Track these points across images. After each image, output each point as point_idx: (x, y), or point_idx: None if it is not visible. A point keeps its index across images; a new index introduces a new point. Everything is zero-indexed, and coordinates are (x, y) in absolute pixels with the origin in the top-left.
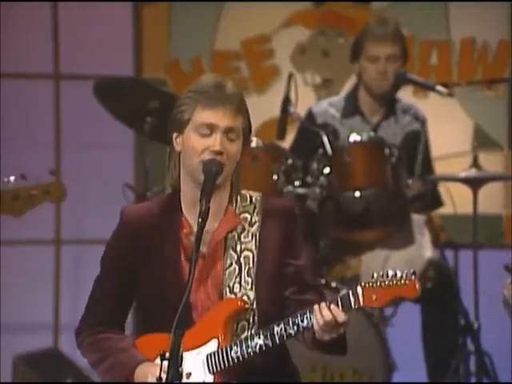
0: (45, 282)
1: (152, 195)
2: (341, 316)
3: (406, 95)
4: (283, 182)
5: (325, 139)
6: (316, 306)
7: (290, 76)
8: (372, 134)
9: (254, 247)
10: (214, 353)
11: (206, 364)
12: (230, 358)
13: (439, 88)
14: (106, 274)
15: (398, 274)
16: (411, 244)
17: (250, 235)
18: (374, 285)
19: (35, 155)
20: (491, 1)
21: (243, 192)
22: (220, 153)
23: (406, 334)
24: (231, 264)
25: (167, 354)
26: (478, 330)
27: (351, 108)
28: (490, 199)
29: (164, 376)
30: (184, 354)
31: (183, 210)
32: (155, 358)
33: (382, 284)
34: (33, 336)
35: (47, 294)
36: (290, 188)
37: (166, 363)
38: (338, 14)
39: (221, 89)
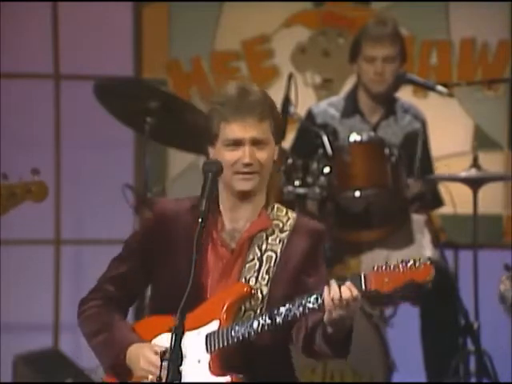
0: (45, 282)
1: (152, 195)
2: (354, 291)
3: (406, 95)
4: (283, 182)
5: (325, 139)
6: (333, 284)
7: (290, 76)
8: (372, 133)
9: (279, 250)
10: (214, 332)
11: (204, 343)
12: (230, 337)
13: (439, 88)
14: (126, 256)
15: (413, 260)
16: (411, 244)
17: (277, 239)
18: (388, 269)
19: (35, 155)
20: (491, 1)
21: (280, 206)
22: (250, 164)
23: (405, 334)
24: (253, 259)
25: (167, 354)
26: (477, 330)
27: (351, 108)
28: (490, 199)
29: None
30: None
31: (221, 211)
32: (152, 339)
33: (396, 269)
34: (33, 336)
35: (47, 294)
36: (289, 188)
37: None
38: (338, 14)
39: (243, 97)
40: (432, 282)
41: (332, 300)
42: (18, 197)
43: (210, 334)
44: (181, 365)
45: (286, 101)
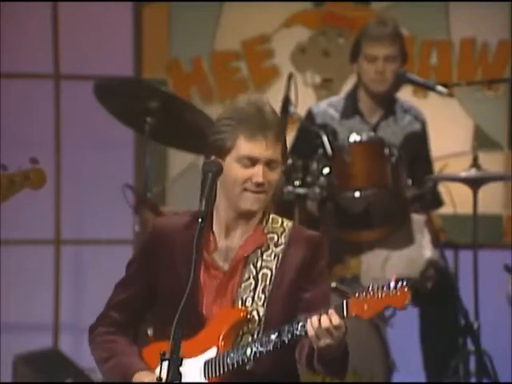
0: (45, 282)
1: (152, 195)
2: (335, 320)
3: (406, 95)
4: (283, 182)
5: (325, 139)
6: (313, 316)
7: (290, 76)
8: (372, 133)
9: (274, 267)
10: (212, 359)
11: (202, 370)
12: (226, 365)
13: (439, 88)
14: (129, 279)
15: (392, 285)
16: (411, 244)
17: (272, 255)
18: (368, 295)
19: (35, 155)
20: (491, 1)
21: (276, 216)
22: (262, 184)
23: (405, 334)
24: (248, 278)
25: (167, 355)
26: (477, 330)
27: (350, 108)
28: (490, 199)
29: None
30: (184, 361)
31: (214, 228)
32: (156, 367)
33: (375, 295)
34: (33, 336)
35: (47, 294)
36: (289, 188)
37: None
38: (338, 14)
39: (261, 116)
40: (432, 282)
41: (314, 331)
42: (17, 184)
43: (208, 361)
44: (181, 365)
45: (286, 101)
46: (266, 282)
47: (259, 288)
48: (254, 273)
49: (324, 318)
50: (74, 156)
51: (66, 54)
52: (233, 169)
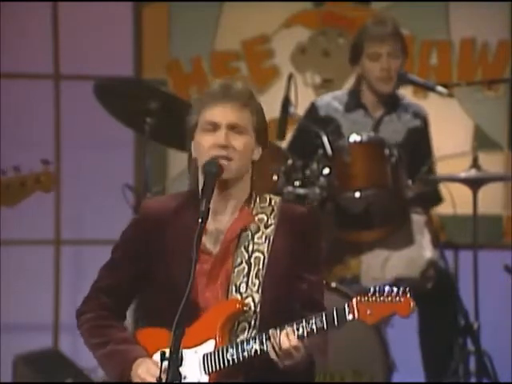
0: (45, 282)
1: (152, 195)
2: (293, 340)
3: (405, 95)
4: (283, 183)
5: (324, 139)
6: (272, 333)
7: (290, 76)
8: (372, 134)
9: (265, 250)
10: (211, 353)
11: (202, 364)
12: (226, 360)
13: (439, 88)
14: (116, 262)
15: (394, 291)
16: (411, 244)
17: (263, 237)
18: (370, 300)
19: (35, 155)
20: (491, 1)
21: (264, 194)
22: (225, 146)
23: (405, 334)
24: (241, 263)
25: (167, 354)
26: (477, 330)
27: (354, 102)
28: (490, 199)
29: (164, 376)
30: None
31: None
32: (154, 354)
33: (378, 300)
34: (33, 336)
35: (47, 294)
36: (289, 188)
37: (165, 363)
38: (338, 14)
39: (226, 88)
40: (432, 282)
41: (274, 353)
42: (29, 188)
43: (207, 355)
44: (181, 365)
45: (286, 101)
46: (258, 266)
47: (252, 273)
48: (247, 257)
49: (283, 338)
50: (74, 156)
51: (66, 54)
52: (199, 139)
